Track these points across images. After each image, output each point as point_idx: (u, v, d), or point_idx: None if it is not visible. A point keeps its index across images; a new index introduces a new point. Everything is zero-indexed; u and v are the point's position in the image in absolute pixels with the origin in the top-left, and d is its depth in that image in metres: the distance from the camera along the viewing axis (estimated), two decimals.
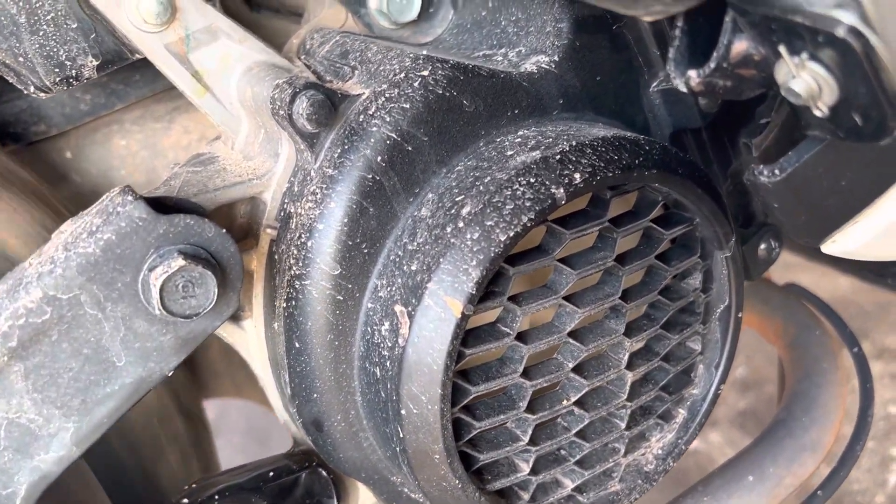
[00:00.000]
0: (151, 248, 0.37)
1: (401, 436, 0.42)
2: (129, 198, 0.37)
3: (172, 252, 0.37)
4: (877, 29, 0.28)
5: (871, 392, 0.60)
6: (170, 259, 0.37)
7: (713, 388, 0.52)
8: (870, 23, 0.28)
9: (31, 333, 0.36)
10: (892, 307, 1.36)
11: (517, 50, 0.48)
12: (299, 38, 0.55)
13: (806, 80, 0.30)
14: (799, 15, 0.29)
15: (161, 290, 0.37)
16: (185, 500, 0.40)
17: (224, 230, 0.39)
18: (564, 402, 0.46)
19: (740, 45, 0.31)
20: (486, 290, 0.41)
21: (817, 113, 0.31)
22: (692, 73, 0.34)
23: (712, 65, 0.32)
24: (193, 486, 0.41)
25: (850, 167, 0.37)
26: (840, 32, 0.28)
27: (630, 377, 0.48)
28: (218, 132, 0.61)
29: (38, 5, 0.42)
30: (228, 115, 0.48)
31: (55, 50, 0.43)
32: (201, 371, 0.76)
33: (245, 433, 1.62)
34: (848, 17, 0.28)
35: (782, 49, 0.30)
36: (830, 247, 0.41)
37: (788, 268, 1.03)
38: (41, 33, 0.42)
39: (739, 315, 0.51)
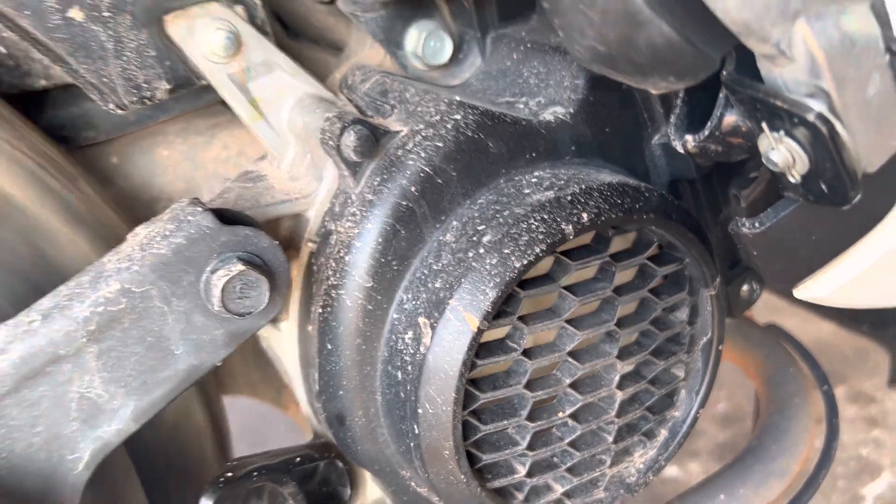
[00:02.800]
0: (215, 253, 0.43)
1: (416, 432, 0.47)
2: (199, 209, 0.43)
3: (232, 258, 0.43)
4: (841, 117, 0.34)
5: (837, 427, 0.65)
6: (230, 264, 0.43)
7: (693, 412, 0.57)
8: (836, 112, 0.34)
9: (107, 320, 0.42)
10: (870, 353, 1.42)
11: (537, 100, 0.54)
12: (341, 73, 0.61)
13: (783, 152, 0.36)
14: (779, 99, 0.35)
15: (222, 290, 0.42)
16: (229, 474, 0.45)
17: (276, 242, 0.45)
18: (560, 415, 0.52)
19: (730, 118, 0.38)
20: (499, 310, 0.47)
21: (791, 180, 0.37)
22: (689, 137, 0.40)
23: (706, 132, 0.38)
24: (234, 463, 0.47)
25: (819, 225, 0.43)
26: (811, 117, 0.34)
27: (619, 396, 0.54)
28: (263, 152, 0.68)
29: (124, 34, 0.48)
30: (277, 139, 0.54)
31: (135, 74, 0.49)
32: (218, 368, 0.82)
33: (238, 436, 1.66)
34: (818, 106, 0.34)
35: (764, 125, 0.36)
36: (801, 292, 0.47)
37: (775, 311, 1.09)
38: (124, 59, 0.48)
39: (720, 347, 0.56)
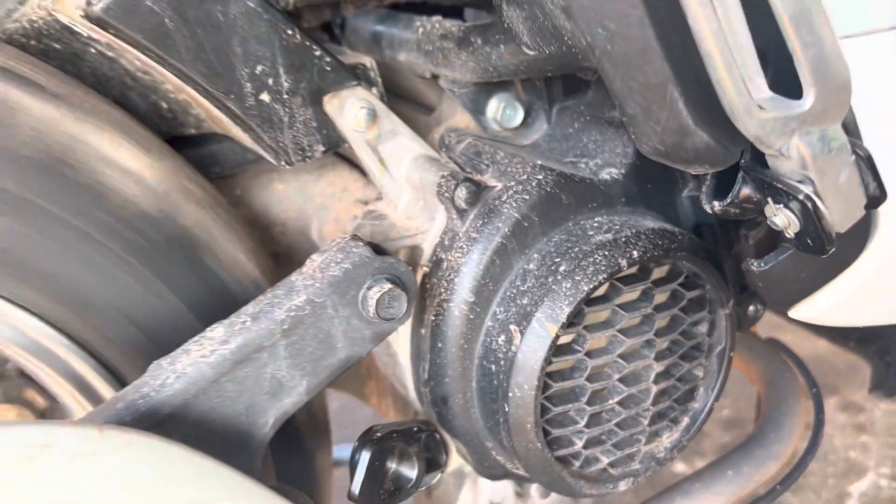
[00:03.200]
0: (370, 275, 0.60)
1: (507, 410, 0.64)
2: (360, 243, 0.60)
3: (382, 279, 0.60)
4: (822, 197, 0.50)
5: (822, 420, 0.82)
6: (382, 283, 0.59)
7: (709, 404, 0.74)
8: (818, 193, 0.50)
9: (295, 321, 0.58)
10: (860, 367, 1.58)
11: (595, 161, 0.71)
12: (438, 133, 0.78)
13: (782, 218, 0.52)
14: (780, 182, 0.51)
15: (376, 301, 0.59)
16: (378, 434, 0.62)
17: (410, 268, 0.62)
18: (609, 402, 0.68)
19: (745, 191, 0.54)
20: (572, 319, 0.63)
21: (787, 235, 0.54)
22: (716, 203, 0.56)
23: (728, 200, 0.55)
24: (376, 427, 0.63)
25: (807, 265, 0.59)
26: (801, 197, 0.50)
27: (654, 389, 0.70)
28: (362, 191, 0.84)
29: (296, 111, 0.65)
30: (396, 188, 0.71)
31: (301, 140, 0.65)
32: None
33: None
34: (806, 189, 0.50)
35: (769, 199, 0.52)
36: (794, 313, 0.64)
37: (778, 328, 1.25)
38: (295, 129, 0.65)
39: (731, 354, 0.73)
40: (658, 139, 0.49)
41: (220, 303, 0.70)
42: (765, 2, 0.44)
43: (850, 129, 0.52)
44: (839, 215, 0.51)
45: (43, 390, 0.72)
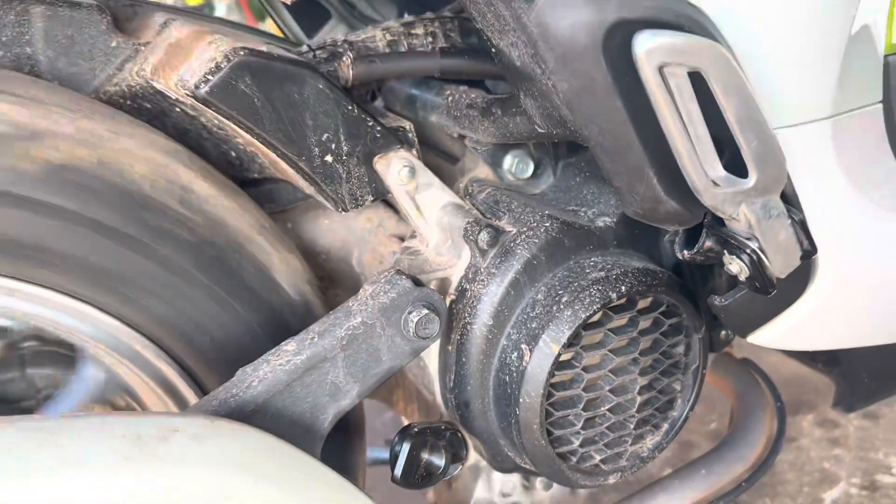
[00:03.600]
0: (410, 302, 0.75)
1: (518, 414, 0.78)
2: (404, 276, 0.75)
3: (420, 305, 0.75)
4: (765, 252, 0.65)
5: (783, 430, 0.96)
6: (420, 309, 0.74)
7: (685, 413, 0.88)
8: (762, 249, 0.65)
9: (352, 338, 0.73)
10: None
11: (592, 210, 0.86)
12: (463, 183, 0.93)
13: (735, 265, 0.67)
14: (733, 238, 0.67)
15: (417, 323, 0.74)
16: (415, 429, 0.76)
17: (442, 297, 0.77)
18: (601, 409, 0.83)
19: (708, 244, 0.69)
20: (571, 340, 0.78)
21: (740, 279, 0.69)
22: (685, 252, 0.71)
23: (694, 250, 0.70)
24: (411, 423, 0.78)
25: (758, 302, 0.74)
26: (749, 251, 0.65)
27: (639, 399, 0.85)
28: (397, 226, 0.99)
29: (352, 169, 0.80)
30: (429, 229, 0.86)
31: (355, 191, 0.81)
32: None
33: None
34: (753, 245, 0.65)
35: (726, 251, 0.67)
36: (752, 339, 0.79)
37: (762, 349, 1.40)
38: (351, 183, 0.80)
39: (704, 371, 0.88)
40: (638, 205, 0.65)
41: (279, 318, 0.85)
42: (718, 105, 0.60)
43: (790, 197, 0.67)
44: (779, 265, 0.66)
45: (125, 391, 0.87)
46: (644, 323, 0.82)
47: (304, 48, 0.87)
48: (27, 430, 0.54)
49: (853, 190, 0.72)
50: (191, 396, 0.82)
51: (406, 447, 0.75)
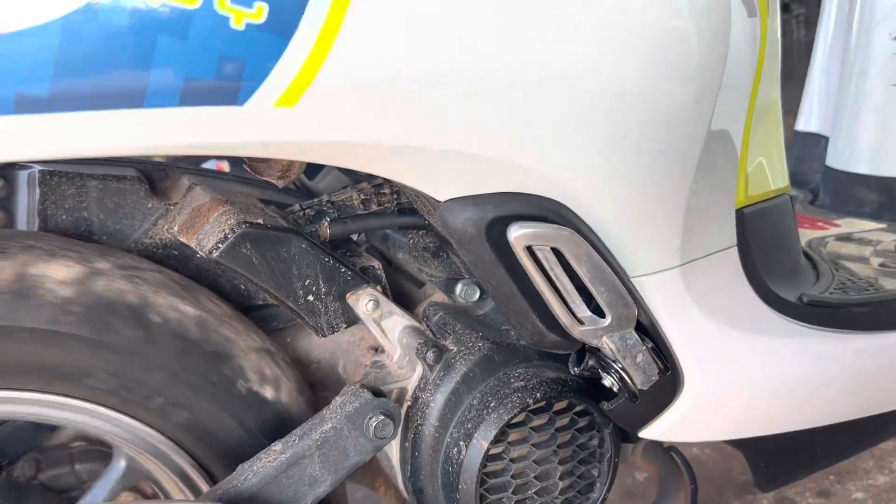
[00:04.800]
0: (370, 410, 0.97)
1: (457, 498, 0.99)
2: (366, 390, 0.98)
3: (378, 412, 0.97)
4: (627, 371, 0.87)
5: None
6: (379, 416, 0.97)
7: (603, 493, 1.08)
8: (625, 369, 0.87)
9: (324, 440, 0.96)
10: None
11: None
12: (423, 307, 1.17)
13: (608, 381, 0.89)
14: (605, 360, 0.89)
15: (374, 427, 0.96)
16: None
17: (397, 405, 0.99)
18: (529, 492, 1.04)
19: (591, 363, 0.91)
20: (497, 438, 0.99)
21: (614, 390, 0.90)
22: (575, 369, 0.94)
23: (580, 368, 0.92)
24: None
25: (640, 404, 0.95)
26: (616, 369, 0.88)
27: (560, 484, 1.05)
28: (375, 342, 1.22)
29: (329, 305, 1.04)
30: (392, 347, 1.09)
31: (332, 321, 1.04)
32: None
33: None
34: (618, 366, 0.88)
35: (601, 370, 0.90)
36: (641, 434, 0.99)
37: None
38: (328, 315, 1.04)
39: (617, 459, 1.08)
40: (528, 338, 0.88)
41: (274, 422, 1.07)
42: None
43: (649, 328, 0.89)
44: (639, 381, 0.88)
45: (150, 480, 1.09)
46: (561, 421, 1.04)
47: (297, 207, 1.13)
48: None
49: (708, 319, 0.94)
50: (202, 485, 1.05)
51: None
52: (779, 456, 1.18)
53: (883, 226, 1.60)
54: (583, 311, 0.85)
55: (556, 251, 0.81)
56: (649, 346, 0.88)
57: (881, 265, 1.32)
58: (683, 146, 0.84)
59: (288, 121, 0.64)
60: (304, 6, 0.60)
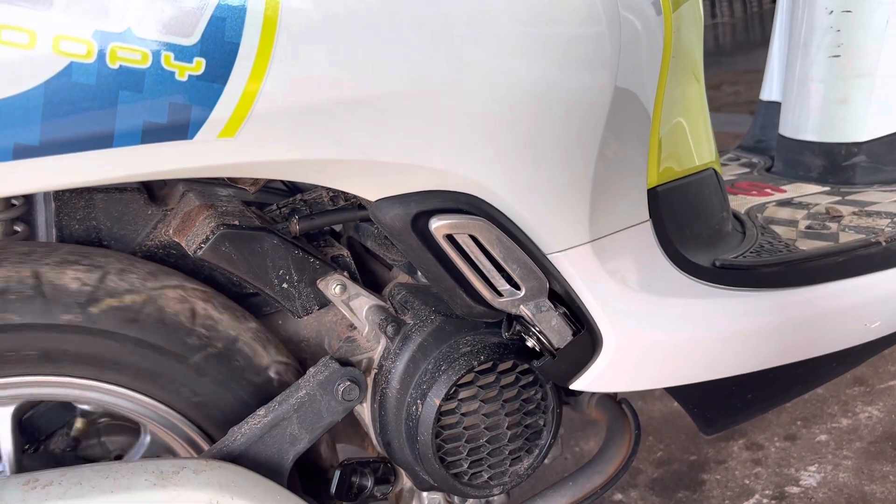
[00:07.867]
0: (339, 377, 1.15)
1: (417, 448, 1.17)
2: (333, 361, 1.15)
3: (345, 379, 1.15)
4: (544, 333, 1.03)
5: (636, 449, 1.31)
6: (346, 382, 1.14)
7: (549, 442, 1.25)
8: (542, 332, 1.03)
9: (300, 404, 1.13)
10: (767, 417, 2.02)
11: None
12: (389, 288, 1.34)
13: (530, 342, 1.05)
14: (527, 324, 1.05)
15: (343, 391, 1.14)
16: (345, 461, 1.15)
17: (362, 373, 1.16)
18: (481, 441, 1.21)
19: (518, 328, 1.07)
20: (449, 395, 1.16)
21: (537, 349, 1.06)
22: (505, 334, 1.10)
23: (508, 334, 1.08)
24: (349, 458, 1.16)
25: (566, 359, 1.11)
26: (535, 331, 1.03)
27: (509, 434, 1.22)
28: (355, 326, 1.40)
29: (302, 290, 1.21)
30: (360, 323, 1.26)
31: (306, 304, 1.21)
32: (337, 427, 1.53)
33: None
34: (536, 329, 1.03)
35: (524, 334, 1.06)
36: (572, 386, 1.15)
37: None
38: (302, 299, 1.21)
39: (559, 410, 1.24)
40: (460, 309, 1.04)
41: (263, 392, 1.25)
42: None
43: (563, 295, 1.05)
44: (556, 341, 1.04)
45: (167, 450, 1.29)
46: (506, 380, 1.20)
47: (274, 207, 1.30)
48: (99, 470, 0.96)
49: (621, 285, 1.09)
50: (205, 445, 1.23)
51: (338, 473, 1.14)
52: (707, 402, 1.33)
53: (826, 188, 1.72)
54: (501, 284, 1.01)
55: (472, 237, 0.96)
56: (562, 311, 1.04)
57: (807, 227, 1.46)
58: (581, 137, 0.99)
59: (231, 148, 0.81)
60: (234, 59, 0.76)
